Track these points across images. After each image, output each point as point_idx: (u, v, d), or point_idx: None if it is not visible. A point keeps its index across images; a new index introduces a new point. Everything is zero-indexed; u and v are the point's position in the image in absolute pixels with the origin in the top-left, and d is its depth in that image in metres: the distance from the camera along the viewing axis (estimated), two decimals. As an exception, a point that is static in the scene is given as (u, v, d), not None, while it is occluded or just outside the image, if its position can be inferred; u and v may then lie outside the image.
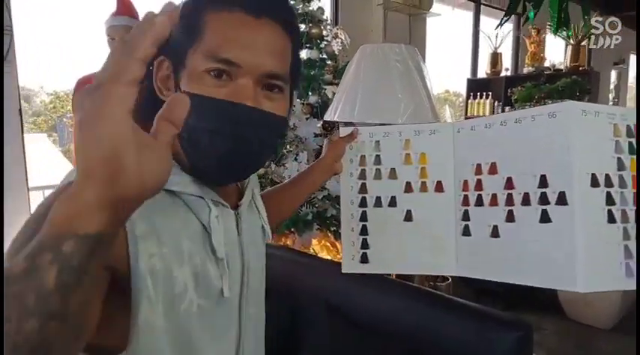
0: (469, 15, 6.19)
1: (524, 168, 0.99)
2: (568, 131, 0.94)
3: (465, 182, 1.07)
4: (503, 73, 5.83)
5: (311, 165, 1.18)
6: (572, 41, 5.03)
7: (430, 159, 1.11)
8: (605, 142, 0.89)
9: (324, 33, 2.67)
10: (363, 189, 1.18)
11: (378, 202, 1.16)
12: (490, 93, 5.74)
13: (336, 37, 2.78)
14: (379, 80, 1.51)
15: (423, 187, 1.11)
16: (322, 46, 2.62)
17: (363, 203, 1.17)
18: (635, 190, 0.87)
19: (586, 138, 0.93)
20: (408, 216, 1.12)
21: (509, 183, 1.01)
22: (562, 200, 0.96)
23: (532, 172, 0.98)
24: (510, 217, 0.99)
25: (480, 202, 1.04)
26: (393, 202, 1.14)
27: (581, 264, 0.88)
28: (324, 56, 2.60)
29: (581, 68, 5.03)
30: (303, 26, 2.57)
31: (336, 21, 4.51)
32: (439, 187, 1.10)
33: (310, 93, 2.44)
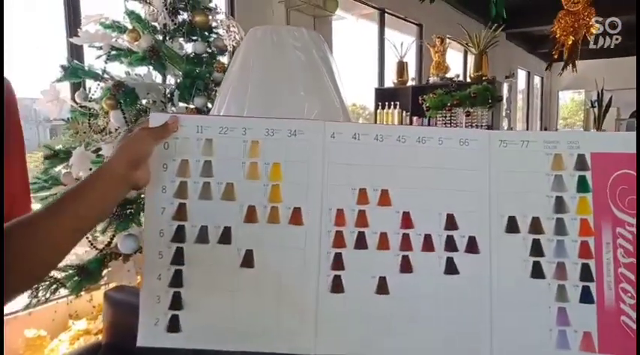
0: (372, 25, 6.00)
1: (427, 203, 0.71)
2: (482, 164, 0.71)
3: (340, 212, 0.72)
4: (410, 83, 5.71)
5: (91, 173, 0.68)
6: (474, 50, 4.95)
7: (287, 174, 0.73)
8: (536, 178, 0.65)
9: (213, 24, 2.05)
10: (182, 213, 0.73)
11: (203, 235, 0.73)
12: (398, 103, 5.52)
13: (228, 29, 2.16)
14: (275, 72, 1.07)
15: (274, 215, 0.73)
16: (211, 39, 1.99)
17: (179, 235, 0.73)
18: (594, 237, 0.64)
19: (507, 173, 0.71)
20: (248, 260, 0.72)
21: (406, 220, 0.70)
22: (472, 246, 0.69)
23: (437, 209, 0.70)
24: (406, 266, 0.69)
25: (362, 244, 0.71)
26: (226, 236, 0.72)
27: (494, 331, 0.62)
28: (213, 50, 1.98)
29: (484, 77, 4.95)
30: (185, 14, 1.92)
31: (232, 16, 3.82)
32: (297, 217, 0.73)
33: (195, 95, 1.78)
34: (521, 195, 0.75)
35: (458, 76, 5.66)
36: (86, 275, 1.63)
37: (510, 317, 0.69)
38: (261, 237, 0.72)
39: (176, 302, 0.71)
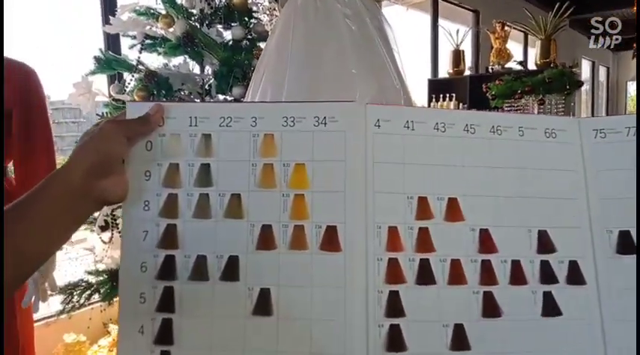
0: (423, 15, 5.45)
1: (511, 216, 0.48)
2: (575, 162, 0.48)
3: (393, 232, 0.50)
4: (466, 72, 5.05)
5: (39, 184, 0.47)
6: (540, 35, 4.39)
7: (316, 178, 0.51)
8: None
9: (254, 8, 1.87)
10: (171, 238, 0.52)
11: (200, 269, 0.51)
12: (454, 94, 4.84)
13: (270, 14, 1.95)
14: (320, 46, 0.82)
15: (298, 239, 0.51)
16: (250, 24, 1.81)
17: (167, 270, 0.51)
18: None
19: (609, 173, 0.54)
20: (264, 304, 0.50)
21: (485, 241, 0.48)
22: (575, 274, 0.46)
23: (524, 224, 0.48)
24: (491, 308, 0.47)
25: (427, 276, 0.49)
26: (232, 270, 0.51)
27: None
28: (253, 36, 1.79)
29: (552, 64, 4.33)
30: None
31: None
32: (332, 241, 0.50)
33: (233, 85, 1.59)
34: (631, 202, 0.52)
35: (522, 61, 5.12)
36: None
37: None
38: (281, 270, 0.50)
39: (163, 367, 0.50)
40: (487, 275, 0.51)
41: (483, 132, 0.55)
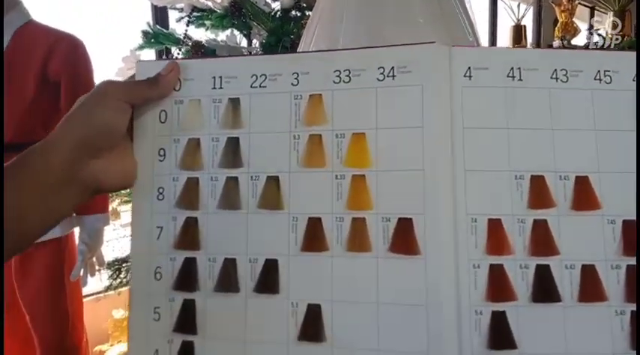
0: None
1: None
2: None
3: (495, 226, 0.34)
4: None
5: (15, 159, 0.35)
6: (614, 6, 4.24)
7: (382, 153, 0.36)
8: None
9: None
10: (191, 236, 0.39)
11: (227, 277, 0.38)
12: None
13: None
14: None
15: (359, 236, 0.36)
16: None
17: (187, 278, 0.39)
18: None
19: None
20: (313, 325, 0.36)
21: (629, 239, 0.31)
22: None
23: None
24: None
25: (547, 291, 0.33)
26: (270, 279, 0.37)
27: None
28: (303, 5, 1.70)
29: (626, 37, 4.28)
30: None
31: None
32: (407, 240, 0.35)
33: None
34: None
35: (598, 31, 4.66)
36: None
37: None
38: (335, 279, 0.36)
39: (184, 405, 0.37)
40: (631, 287, 0.34)
41: (624, 80, 0.37)
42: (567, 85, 0.37)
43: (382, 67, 0.37)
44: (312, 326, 0.36)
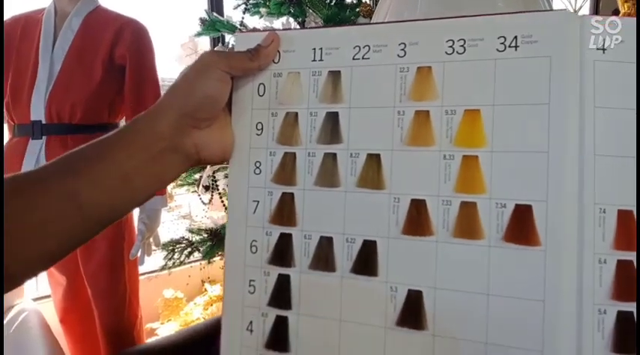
0: None
1: None
2: None
3: (626, 217, 0.30)
4: None
5: (117, 131, 0.36)
6: None
7: (499, 132, 0.33)
8: None
9: None
10: (287, 212, 0.38)
11: (324, 255, 0.37)
12: None
13: None
14: None
15: (468, 222, 0.33)
16: None
17: (282, 253, 0.38)
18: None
19: None
20: (414, 312, 0.34)
21: None
22: None
23: None
24: None
25: None
26: (368, 261, 0.36)
27: None
28: None
29: None
30: None
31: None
32: (525, 228, 0.32)
33: None
34: None
35: None
36: (219, 241, 1.42)
37: None
38: (439, 266, 0.34)
39: (278, 380, 0.37)
40: None
41: None
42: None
43: (503, 36, 0.33)
44: (412, 312, 0.34)
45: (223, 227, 1.48)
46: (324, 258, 0.37)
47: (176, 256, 1.49)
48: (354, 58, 0.37)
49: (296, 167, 0.38)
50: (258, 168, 0.39)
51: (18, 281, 0.32)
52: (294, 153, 0.38)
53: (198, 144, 0.37)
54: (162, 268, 1.49)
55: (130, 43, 1.22)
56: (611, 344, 0.30)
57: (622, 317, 0.30)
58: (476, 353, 0.32)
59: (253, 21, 1.60)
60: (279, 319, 0.38)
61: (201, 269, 2.01)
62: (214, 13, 1.62)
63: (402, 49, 0.36)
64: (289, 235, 0.38)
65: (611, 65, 0.32)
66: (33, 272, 0.33)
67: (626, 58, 0.32)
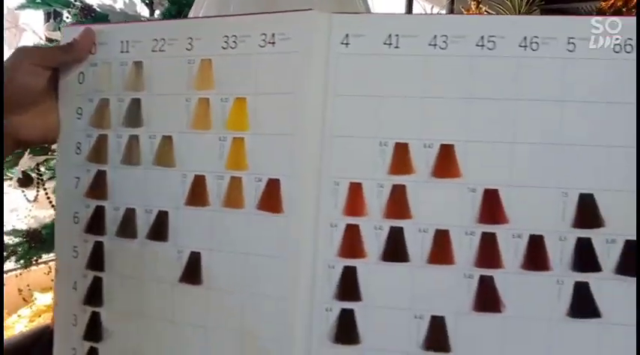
0: None
1: (537, 171, 0.32)
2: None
3: (355, 190, 0.37)
4: None
5: None
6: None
7: (258, 117, 0.39)
8: None
9: None
10: (100, 186, 0.44)
11: (128, 224, 0.43)
12: None
13: None
14: None
15: (234, 194, 0.40)
16: None
17: (97, 223, 0.44)
18: None
19: None
20: (193, 270, 0.41)
21: (490, 207, 0.35)
22: (632, 263, 0.30)
23: (557, 182, 0.31)
24: (488, 299, 0.35)
25: (397, 251, 0.37)
26: (160, 228, 0.42)
27: None
28: None
29: None
30: None
31: None
32: (273, 198, 0.38)
33: None
34: None
35: None
36: (38, 243, 1.24)
37: None
38: (213, 231, 0.40)
39: (94, 329, 0.44)
40: (488, 253, 0.36)
41: (509, 46, 0.37)
42: (446, 51, 0.37)
43: (264, 34, 0.39)
44: (192, 271, 0.40)
45: (45, 226, 1.29)
46: (128, 226, 0.42)
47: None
48: (152, 50, 0.42)
49: (107, 147, 0.43)
50: (78, 148, 0.44)
51: None
52: (107, 135, 0.43)
53: (17, 128, 0.41)
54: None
55: None
56: (337, 292, 0.37)
57: (346, 271, 0.37)
58: (236, 302, 0.39)
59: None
60: (95, 281, 0.44)
61: (17, 276, 1.59)
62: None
63: (190, 43, 0.41)
64: (102, 207, 0.43)
65: (353, 58, 0.38)
66: None
67: (367, 51, 0.38)
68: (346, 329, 0.37)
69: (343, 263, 0.37)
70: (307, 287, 0.37)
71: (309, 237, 0.37)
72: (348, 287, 0.37)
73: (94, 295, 0.43)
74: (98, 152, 0.44)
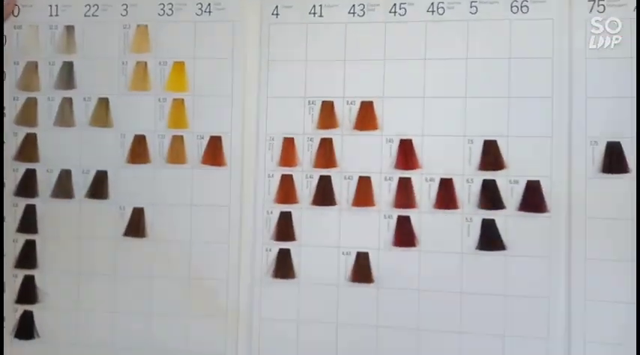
0: None
1: (447, 122, 0.39)
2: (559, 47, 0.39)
3: (288, 143, 0.42)
4: None
5: None
6: None
7: (198, 79, 0.43)
8: None
9: None
10: (29, 149, 0.44)
11: (63, 185, 0.44)
12: None
13: None
14: None
15: (176, 151, 0.43)
16: None
17: (27, 186, 0.44)
18: None
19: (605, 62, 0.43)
20: (136, 224, 0.43)
21: (405, 154, 0.41)
22: (537, 201, 0.39)
23: (465, 131, 0.39)
24: (405, 236, 0.41)
25: (326, 196, 0.43)
26: (100, 187, 0.43)
27: None
28: None
29: None
30: None
31: None
32: (216, 153, 0.42)
33: None
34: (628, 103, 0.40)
35: None
36: None
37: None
38: (156, 187, 0.42)
39: (27, 293, 0.43)
40: (404, 196, 0.43)
41: (417, 12, 0.43)
42: (363, 19, 0.43)
43: (200, 3, 0.42)
44: (135, 225, 0.42)
45: None
46: (63, 187, 0.43)
47: None
48: (85, 15, 0.43)
49: (37, 110, 0.43)
50: (1, 112, 0.44)
51: None
52: (36, 98, 0.43)
53: None
54: None
55: None
56: (275, 234, 0.42)
57: (282, 215, 0.42)
58: (183, 250, 0.42)
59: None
60: (27, 244, 0.43)
61: None
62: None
63: (125, 10, 0.43)
64: (33, 170, 0.43)
65: (283, 26, 0.43)
66: None
67: (294, 19, 0.42)
68: (284, 266, 0.42)
69: (280, 208, 0.42)
70: (249, 232, 0.41)
71: (249, 186, 0.41)
72: (284, 229, 0.42)
73: (27, 258, 0.43)
74: (26, 115, 0.43)
